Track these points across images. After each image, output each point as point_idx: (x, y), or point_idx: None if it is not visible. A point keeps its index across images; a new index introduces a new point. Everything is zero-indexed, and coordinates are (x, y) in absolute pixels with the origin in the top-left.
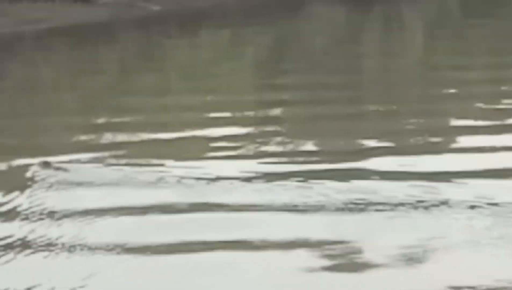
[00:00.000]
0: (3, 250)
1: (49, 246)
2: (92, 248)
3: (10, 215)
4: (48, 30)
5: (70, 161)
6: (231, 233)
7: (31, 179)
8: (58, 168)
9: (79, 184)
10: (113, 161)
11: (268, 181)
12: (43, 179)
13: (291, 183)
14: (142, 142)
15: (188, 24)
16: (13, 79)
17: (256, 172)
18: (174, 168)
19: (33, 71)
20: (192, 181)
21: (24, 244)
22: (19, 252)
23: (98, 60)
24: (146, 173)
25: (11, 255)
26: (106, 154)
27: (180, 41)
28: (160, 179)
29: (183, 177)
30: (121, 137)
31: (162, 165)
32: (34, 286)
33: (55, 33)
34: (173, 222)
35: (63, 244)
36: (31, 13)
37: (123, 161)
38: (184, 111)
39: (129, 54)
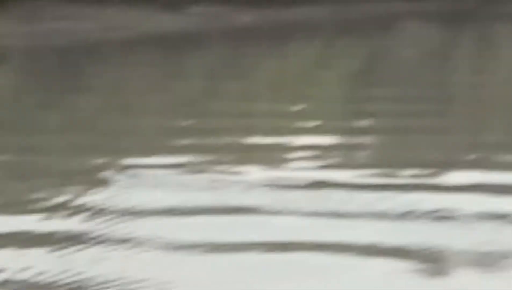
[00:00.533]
0: (73, 243)
1: (127, 242)
2: (173, 247)
3: (86, 212)
4: (136, 37)
5: (151, 165)
6: (323, 237)
7: (108, 180)
8: (135, 173)
9: (158, 187)
10: (195, 166)
11: (352, 191)
12: (119, 181)
13: (375, 194)
14: (227, 146)
15: (278, 35)
16: (100, 80)
17: (341, 183)
18: (256, 173)
19: (121, 74)
20: (274, 187)
21: (103, 241)
22: (96, 246)
23: (186, 66)
24: (227, 178)
25: (89, 250)
26: (188, 158)
27: (269, 51)
28: (242, 184)
29: (264, 184)
30: (206, 141)
31: (245, 171)
32: (116, 279)
33: (143, 40)
34: (258, 224)
35: (144, 241)
36: (119, 19)
37: (206, 166)
38: (271, 118)
39: (217, 62)
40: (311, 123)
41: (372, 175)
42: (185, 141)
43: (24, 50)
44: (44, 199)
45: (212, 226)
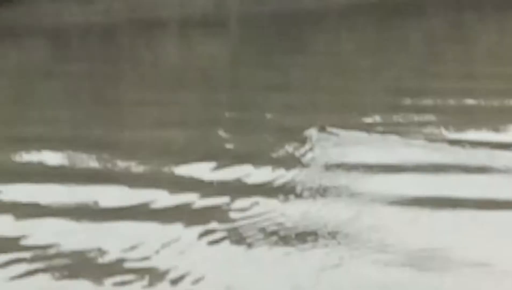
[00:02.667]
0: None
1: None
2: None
3: (297, 166)
4: (348, 3)
5: (351, 127)
6: None
7: (310, 139)
8: (332, 133)
9: (366, 145)
10: (413, 126)
11: None
12: (320, 141)
13: None
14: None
15: (498, 2)
16: (314, 54)
17: None
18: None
19: (336, 48)
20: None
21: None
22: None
23: (406, 32)
24: (446, 138)
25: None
26: (405, 118)
27: (491, 24)
28: (461, 145)
29: (487, 146)
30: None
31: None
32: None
33: (358, 6)
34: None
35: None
36: None
37: (424, 126)
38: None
39: (436, 34)
40: None
41: None
42: (403, 101)
43: (239, 17)
44: (261, 153)
45: (431, 183)
